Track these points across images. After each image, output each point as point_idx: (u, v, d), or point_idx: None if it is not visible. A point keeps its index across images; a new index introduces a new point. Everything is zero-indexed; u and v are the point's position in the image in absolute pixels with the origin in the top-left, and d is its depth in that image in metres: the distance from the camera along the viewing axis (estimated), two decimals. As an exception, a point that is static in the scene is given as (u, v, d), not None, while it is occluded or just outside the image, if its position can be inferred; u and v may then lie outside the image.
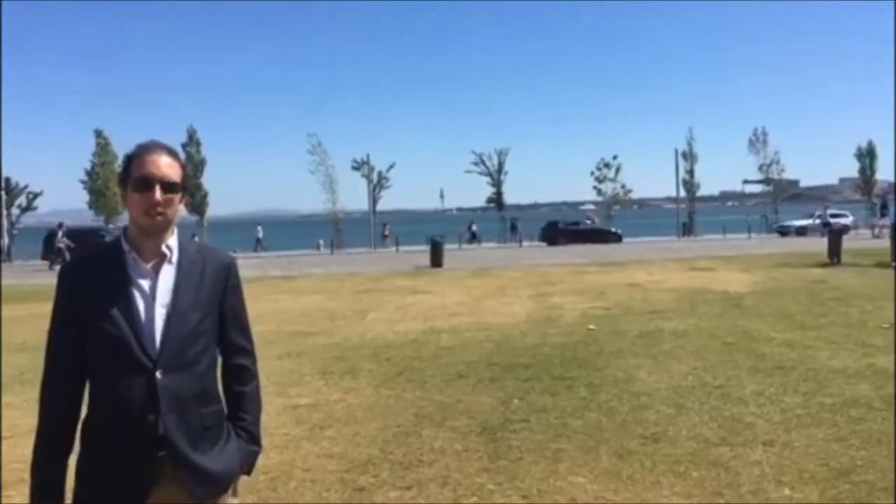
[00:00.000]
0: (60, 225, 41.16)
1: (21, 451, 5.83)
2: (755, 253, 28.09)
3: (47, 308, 2.33)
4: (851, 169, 63.72)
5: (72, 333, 2.21)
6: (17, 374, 9.18)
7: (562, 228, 48.00)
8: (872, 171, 62.14)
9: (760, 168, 59.31)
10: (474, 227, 52.65)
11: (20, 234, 52.47)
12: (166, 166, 2.23)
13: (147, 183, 2.19)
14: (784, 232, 48.35)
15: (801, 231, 47.14)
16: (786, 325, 11.11)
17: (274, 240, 52.89)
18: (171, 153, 2.28)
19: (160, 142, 2.30)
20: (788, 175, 65.01)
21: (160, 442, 2.16)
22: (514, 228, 51.53)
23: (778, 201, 60.26)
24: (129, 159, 2.25)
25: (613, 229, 48.63)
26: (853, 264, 21.69)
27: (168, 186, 2.22)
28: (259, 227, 51.63)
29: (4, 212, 50.61)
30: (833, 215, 48.84)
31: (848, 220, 48.14)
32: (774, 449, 5.57)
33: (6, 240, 48.02)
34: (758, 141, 58.84)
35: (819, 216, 48.10)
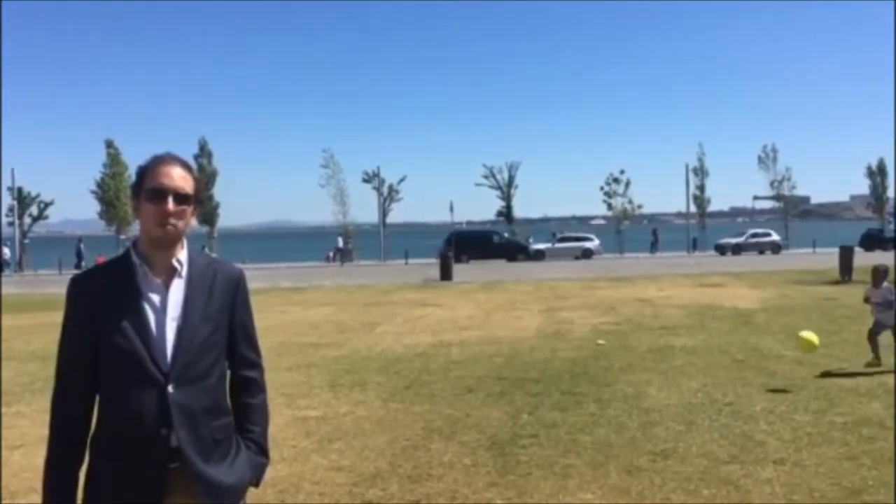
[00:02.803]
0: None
1: (31, 460, 5.86)
2: (765, 269, 28.04)
3: (57, 317, 2.34)
4: (863, 186, 63.48)
5: (82, 346, 2.21)
6: (27, 383, 9.24)
7: (886, 237, 47.72)
8: (884, 189, 61.83)
9: (772, 184, 59.14)
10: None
11: (32, 244, 52.75)
12: (180, 178, 2.24)
13: (160, 194, 2.20)
14: (535, 256, 46.18)
15: (539, 254, 45.71)
16: (796, 343, 11.03)
17: (283, 252, 53.00)
18: (185, 166, 2.29)
19: (174, 154, 2.31)
20: (799, 191, 64.85)
21: (172, 454, 2.17)
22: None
23: (788, 218, 60.05)
24: (143, 171, 2.26)
25: None
26: (864, 282, 21.53)
27: (181, 198, 2.22)
28: (340, 238, 51.82)
29: (17, 221, 50.93)
30: (577, 238, 48.77)
31: (592, 245, 47.24)
32: (785, 467, 5.53)
33: (7, 251, 48.33)
34: (767, 158, 58.70)
35: (562, 238, 48.10)
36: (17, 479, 5.58)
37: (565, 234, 51.73)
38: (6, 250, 47.88)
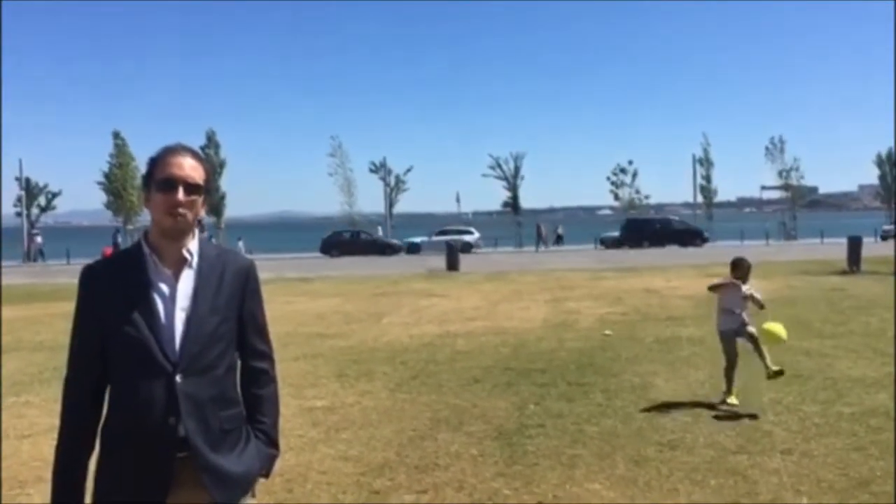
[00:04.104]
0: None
1: (40, 449, 5.89)
2: (773, 260, 27.88)
3: (66, 307, 2.35)
4: (871, 176, 63.10)
5: (93, 336, 2.22)
6: (36, 373, 9.28)
7: None
8: (893, 178, 61.43)
9: (780, 174, 58.89)
10: (560, 230, 51.98)
11: (40, 234, 52.85)
12: (190, 168, 2.24)
13: (171, 184, 2.20)
14: (411, 250, 45.02)
15: (414, 248, 44.60)
16: (804, 334, 11.01)
17: (288, 242, 53.01)
18: (196, 156, 2.30)
19: (185, 144, 2.32)
20: (807, 182, 64.53)
21: (180, 443, 2.18)
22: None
23: (796, 208, 59.83)
24: (154, 161, 2.26)
25: None
26: (872, 272, 21.49)
27: (191, 188, 2.23)
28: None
29: (24, 211, 51.07)
30: (457, 231, 47.27)
31: (472, 238, 45.94)
32: (793, 458, 5.53)
33: (41, 239, 48.79)
34: (775, 149, 58.45)
35: (441, 231, 46.83)
36: (26, 468, 5.62)
37: (446, 227, 49.86)
38: (40, 239, 48.22)
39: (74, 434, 2.25)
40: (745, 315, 7.36)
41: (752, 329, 7.28)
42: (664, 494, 4.91)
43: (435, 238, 45.66)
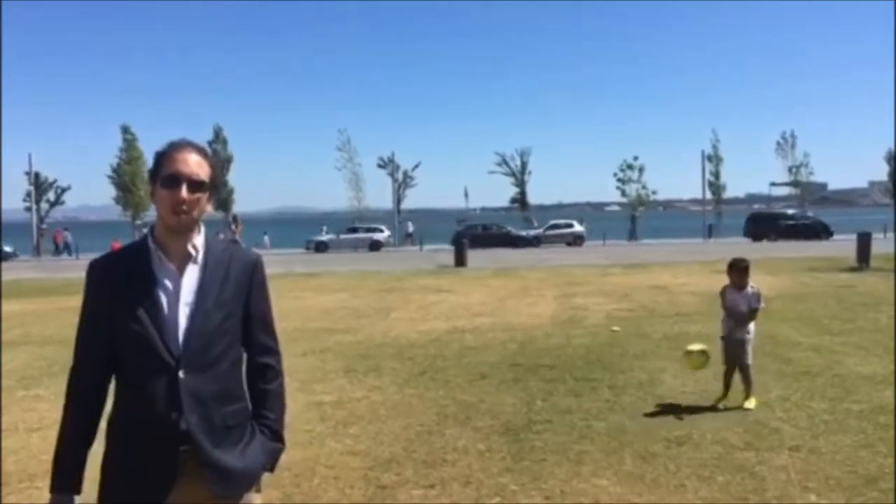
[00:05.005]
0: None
1: (49, 443, 5.86)
2: (782, 256, 27.81)
3: (75, 302, 2.36)
4: (881, 172, 62.75)
5: (99, 331, 2.24)
6: (45, 367, 9.34)
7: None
8: (903, 174, 61.06)
9: (790, 170, 58.69)
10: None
11: (49, 230, 53.06)
12: (195, 164, 2.24)
13: (175, 180, 2.20)
14: (318, 248, 44.75)
15: (322, 247, 44.25)
16: (812, 330, 10.98)
17: (292, 238, 52.98)
18: (201, 152, 2.29)
19: (191, 140, 2.31)
20: (816, 178, 64.25)
21: (182, 437, 2.18)
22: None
23: (805, 204, 59.60)
24: (159, 156, 2.27)
25: None
26: (881, 269, 21.38)
27: (195, 185, 2.22)
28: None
29: (34, 206, 51.26)
30: (367, 229, 47.17)
31: (382, 236, 45.98)
32: (801, 455, 5.51)
33: (69, 234, 49.05)
34: (786, 144, 58.25)
35: (350, 229, 46.93)
36: (36, 461, 5.65)
37: (354, 224, 50.25)
38: (67, 234, 48.32)
39: (77, 425, 2.28)
40: (748, 324, 7.24)
41: (750, 352, 7.22)
42: (671, 490, 4.90)
43: (343, 236, 45.89)
